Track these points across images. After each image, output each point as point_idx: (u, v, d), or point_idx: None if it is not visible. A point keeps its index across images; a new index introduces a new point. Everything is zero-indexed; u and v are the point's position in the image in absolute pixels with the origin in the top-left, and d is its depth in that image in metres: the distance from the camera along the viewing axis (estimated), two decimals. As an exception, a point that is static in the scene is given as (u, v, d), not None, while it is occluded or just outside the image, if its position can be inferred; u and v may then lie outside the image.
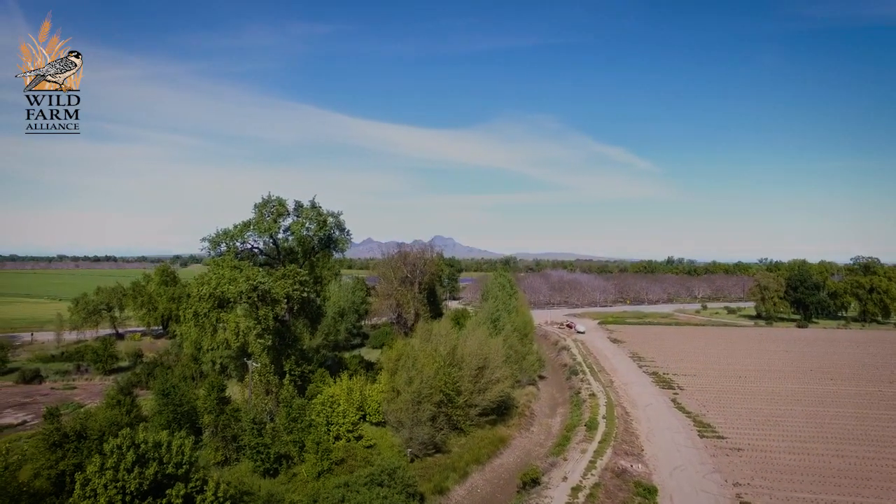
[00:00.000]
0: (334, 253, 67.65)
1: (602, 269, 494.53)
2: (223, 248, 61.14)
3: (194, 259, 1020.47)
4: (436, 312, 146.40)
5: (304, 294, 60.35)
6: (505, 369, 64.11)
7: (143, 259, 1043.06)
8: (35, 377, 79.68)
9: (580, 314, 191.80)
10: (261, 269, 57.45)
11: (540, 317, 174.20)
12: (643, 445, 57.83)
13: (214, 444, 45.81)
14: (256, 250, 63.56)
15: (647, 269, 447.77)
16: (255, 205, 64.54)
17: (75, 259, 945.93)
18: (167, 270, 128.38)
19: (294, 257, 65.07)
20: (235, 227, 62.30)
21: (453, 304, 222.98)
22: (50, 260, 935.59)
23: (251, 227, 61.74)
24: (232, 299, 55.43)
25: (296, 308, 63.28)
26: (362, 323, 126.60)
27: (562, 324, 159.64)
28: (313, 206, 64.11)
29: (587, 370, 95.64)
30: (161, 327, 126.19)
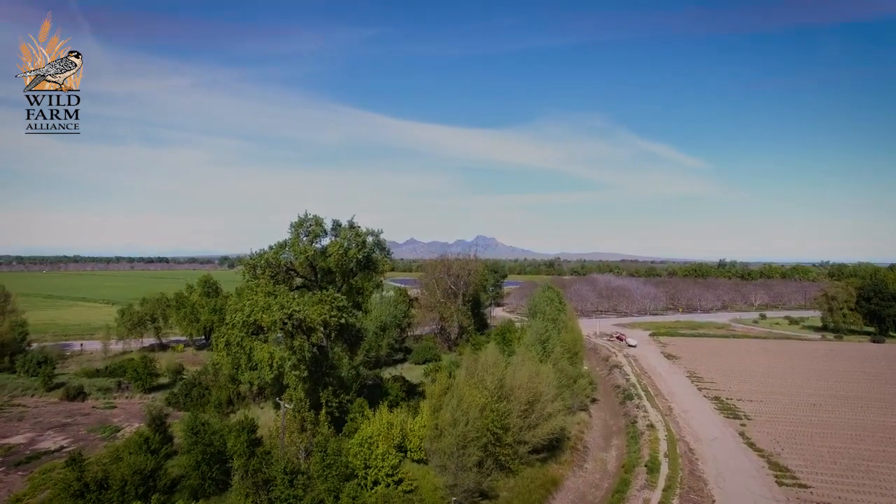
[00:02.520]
0: (374, 276, 64.16)
1: (650, 271, 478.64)
2: (258, 270, 58.53)
3: (241, 261, 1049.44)
4: (480, 324, 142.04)
5: (342, 321, 56.96)
6: (558, 403, 59.03)
7: (193, 260, 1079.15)
8: (79, 394, 79.43)
9: (630, 324, 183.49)
10: (296, 296, 54.29)
11: (588, 327, 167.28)
12: (713, 494, 51.72)
13: (244, 489, 42.70)
14: (293, 272, 60.55)
15: (698, 272, 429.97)
16: (291, 224, 61.81)
17: (131, 261, 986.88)
18: (209, 281, 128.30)
19: (332, 279, 61.89)
20: (271, 248, 59.67)
21: (498, 312, 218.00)
22: (108, 261, 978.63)
23: (287, 248, 58.93)
24: (266, 328, 52.52)
25: (333, 335, 60.02)
26: (405, 335, 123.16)
27: (612, 336, 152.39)
28: (351, 225, 60.76)
29: (642, 393, 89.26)
30: (204, 338, 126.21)
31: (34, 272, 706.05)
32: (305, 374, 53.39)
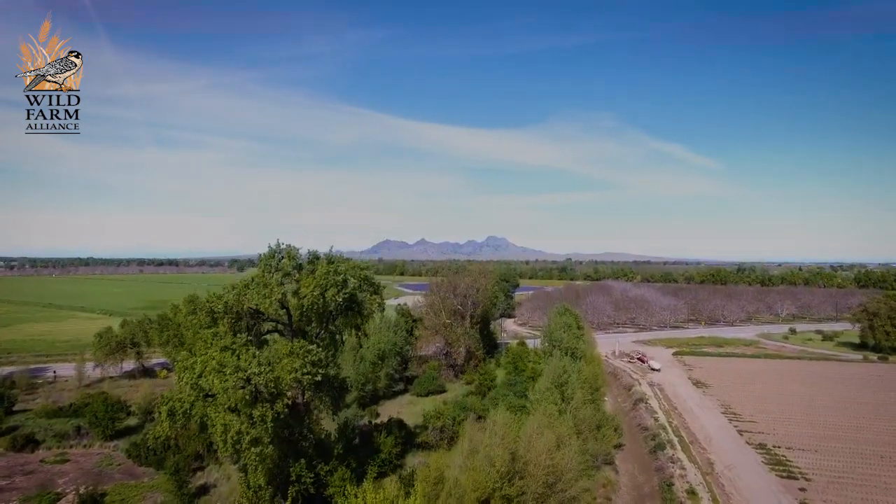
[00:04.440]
0: (360, 318, 53.50)
1: (665, 276, 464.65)
2: (216, 315, 48.03)
3: (251, 263, 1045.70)
4: (490, 346, 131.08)
5: (318, 378, 46.37)
6: (583, 482, 48.00)
7: (203, 263, 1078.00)
8: (28, 443, 69.62)
9: (650, 340, 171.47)
10: (256, 353, 43.68)
11: (605, 344, 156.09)
12: None
13: None
14: (260, 317, 50.04)
15: (716, 278, 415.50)
16: (260, 256, 51.50)
17: (140, 263, 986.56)
18: (195, 300, 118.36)
19: (308, 322, 51.35)
20: (234, 287, 49.27)
21: (509, 325, 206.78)
22: (118, 264, 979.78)
23: (252, 288, 48.46)
24: (218, 395, 42.03)
25: (308, 393, 49.50)
26: (408, 362, 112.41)
27: (632, 357, 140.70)
28: (330, 260, 50.16)
29: (675, 440, 77.85)
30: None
31: (44, 276, 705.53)
32: (270, 449, 42.92)
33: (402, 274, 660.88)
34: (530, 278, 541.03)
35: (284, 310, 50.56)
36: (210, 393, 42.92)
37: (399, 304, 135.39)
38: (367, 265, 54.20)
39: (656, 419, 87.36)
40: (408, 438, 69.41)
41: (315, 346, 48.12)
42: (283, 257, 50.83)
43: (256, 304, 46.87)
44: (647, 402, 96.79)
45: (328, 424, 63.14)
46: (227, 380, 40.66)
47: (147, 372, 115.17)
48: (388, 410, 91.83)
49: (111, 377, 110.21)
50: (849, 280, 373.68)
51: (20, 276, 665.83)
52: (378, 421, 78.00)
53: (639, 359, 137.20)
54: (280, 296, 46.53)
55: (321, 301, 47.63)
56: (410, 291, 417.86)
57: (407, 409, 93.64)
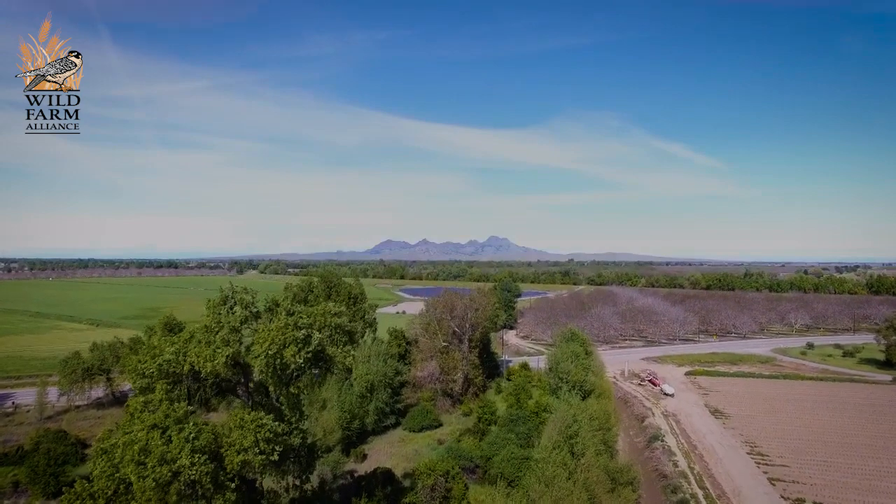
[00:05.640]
0: (330, 373, 44.48)
1: (670, 281, 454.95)
2: (151, 380, 39.04)
3: (252, 265, 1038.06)
4: (491, 368, 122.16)
5: (274, 457, 37.40)
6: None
7: (202, 265, 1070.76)
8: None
9: (660, 357, 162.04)
10: (199, 429, 34.65)
11: (613, 362, 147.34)
12: None
13: None
14: (204, 382, 40.99)
15: (723, 283, 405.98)
16: (208, 303, 42.59)
17: (140, 266, 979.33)
18: (171, 321, 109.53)
19: (265, 388, 42.25)
20: (173, 343, 40.31)
21: (511, 338, 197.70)
22: (118, 266, 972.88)
23: (195, 343, 39.48)
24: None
25: (264, 469, 40.45)
26: (400, 390, 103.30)
27: (643, 379, 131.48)
28: (290, 312, 41.07)
29: (698, 492, 68.70)
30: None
31: (40, 279, 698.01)
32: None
33: (402, 278, 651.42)
34: (532, 282, 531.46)
35: (238, 368, 41.52)
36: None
37: (398, 312, 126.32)
38: (339, 311, 45.09)
39: (675, 464, 78.13)
40: (396, 494, 60.49)
41: (273, 414, 39.15)
42: (234, 304, 41.84)
43: (197, 366, 37.78)
44: (663, 440, 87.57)
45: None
46: (147, 475, 31.65)
47: (119, 400, 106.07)
48: (378, 451, 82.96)
49: (77, 407, 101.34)
50: (860, 286, 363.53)
51: (16, 280, 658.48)
52: (363, 472, 68.92)
53: (650, 381, 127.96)
54: (225, 358, 37.37)
55: (278, 362, 38.54)
56: (410, 297, 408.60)
57: (398, 448, 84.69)
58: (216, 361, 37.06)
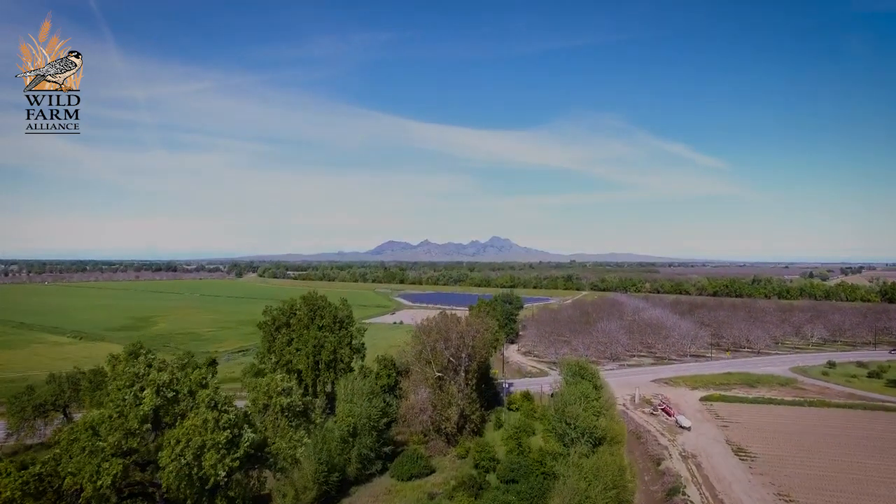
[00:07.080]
0: (272, 472, 34.14)
1: (676, 287, 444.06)
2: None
3: (252, 267, 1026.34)
4: (490, 397, 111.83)
5: None
6: None
7: (201, 268, 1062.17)
8: None
9: (672, 379, 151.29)
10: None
11: (621, 384, 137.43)
12: None
13: None
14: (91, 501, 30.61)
15: (731, 289, 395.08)
16: (108, 360, 32.14)
17: (138, 269, 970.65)
18: (139, 350, 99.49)
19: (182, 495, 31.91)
20: (61, 433, 29.98)
21: (512, 354, 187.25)
22: (115, 269, 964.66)
23: (78, 451, 29.08)
24: None
25: None
26: (389, 427, 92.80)
27: (655, 407, 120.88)
28: (216, 405, 30.63)
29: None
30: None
31: (36, 283, 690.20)
32: None
33: (402, 282, 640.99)
34: (535, 287, 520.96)
35: (148, 469, 31.21)
36: None
37: (394, 322, 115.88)
38: (288, 387, 34.82)
39: (702, 528, 67.61)
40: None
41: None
42: (145, 375, 31.47)
43: (78, 484, 27.47)
44: (684, 493, 76.99)
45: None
46: None
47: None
48: (359, 508, 72.69)
49: (29, 447, 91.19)
50: (873, 292, 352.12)
51: (11, 285, 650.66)
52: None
53: (664, 410, 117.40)
54: (113, 477, 27.03)
55: (195, 472, 28.20)
56: (409, 304, 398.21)
57: (384, 501, 74.45)
58: (100, 482, 26.74)
